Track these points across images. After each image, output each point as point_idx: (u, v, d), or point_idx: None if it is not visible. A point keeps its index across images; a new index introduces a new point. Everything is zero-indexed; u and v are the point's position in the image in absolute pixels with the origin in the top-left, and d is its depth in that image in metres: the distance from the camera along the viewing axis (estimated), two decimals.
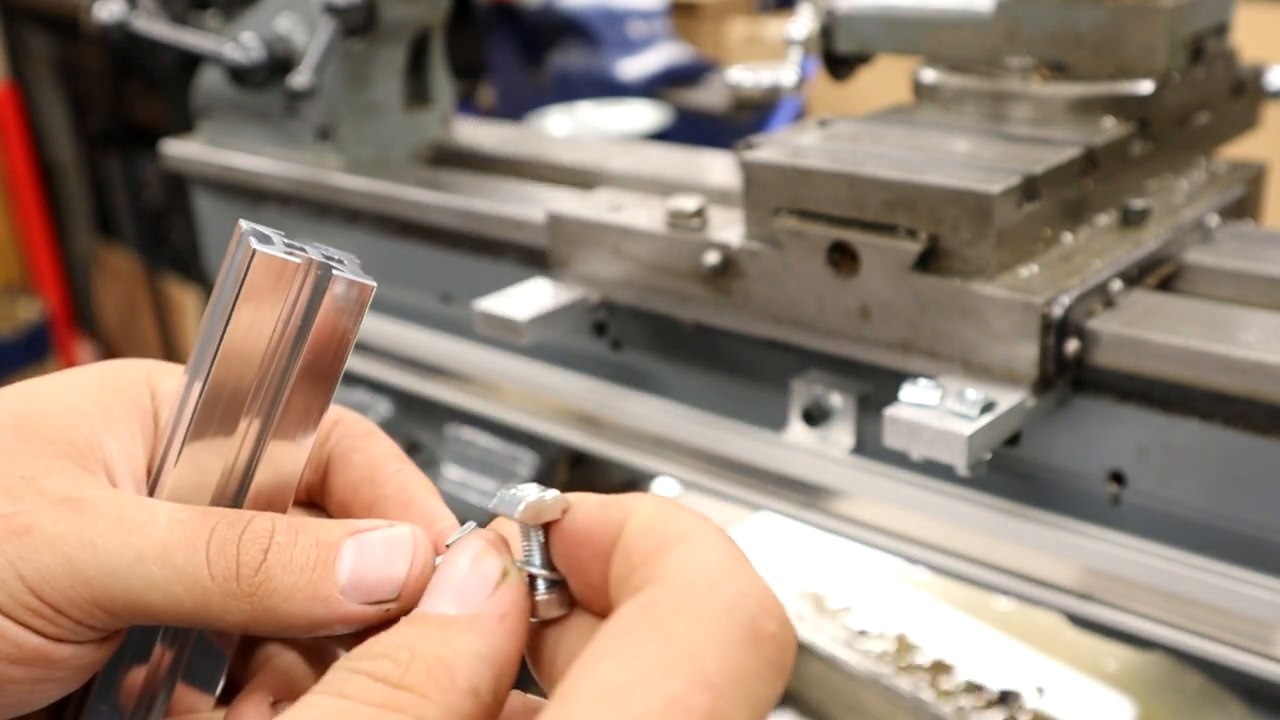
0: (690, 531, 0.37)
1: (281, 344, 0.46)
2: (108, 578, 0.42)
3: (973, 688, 1.06)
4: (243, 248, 0.45)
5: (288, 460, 0.48)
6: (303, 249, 0.46)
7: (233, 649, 0.50)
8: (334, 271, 0.46)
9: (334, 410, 0.50)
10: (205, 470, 0.47)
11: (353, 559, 0.43)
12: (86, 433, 0.47)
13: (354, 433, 0.51)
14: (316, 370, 0.47)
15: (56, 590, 0.42)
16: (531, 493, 0.42)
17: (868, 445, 0.89)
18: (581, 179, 1.14)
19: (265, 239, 0.46)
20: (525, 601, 0.41)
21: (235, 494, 0.48)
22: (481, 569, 0.40)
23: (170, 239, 4.04)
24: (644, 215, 0.92)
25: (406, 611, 0.42)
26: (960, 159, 0.81)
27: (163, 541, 0.43)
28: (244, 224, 0.46)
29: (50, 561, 0.43)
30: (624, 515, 0.39)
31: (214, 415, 0.46)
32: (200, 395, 0.46)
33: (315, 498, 0.52)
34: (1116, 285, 0.77)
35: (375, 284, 0.47)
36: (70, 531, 0.43)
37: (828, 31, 1.02)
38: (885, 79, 1.17)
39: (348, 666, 0.38)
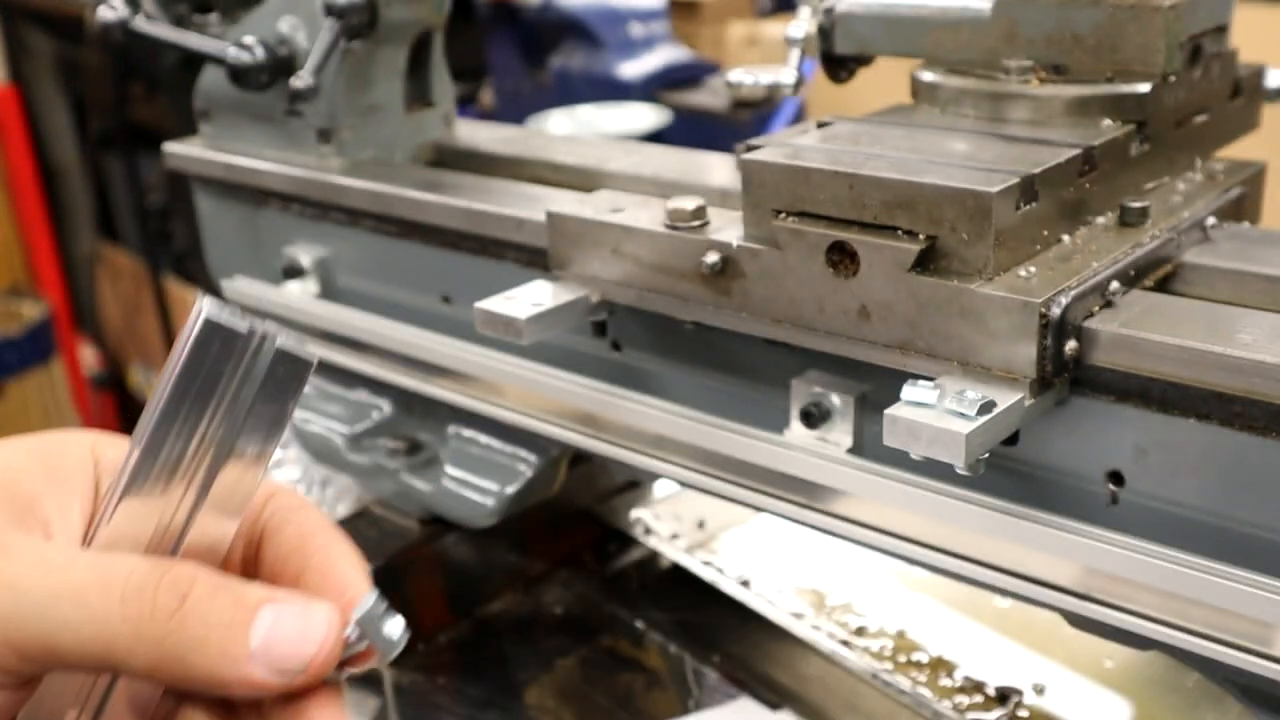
0: None
1: (220, 410, 0.47)
2: (22, 618, 0.42)
3: (971, 686, 1.07)
4: (194, 316, 0.47)
5: (219, 526, 0.49)
6: (251, 324, 0.48)
7: (148, 712, 0.49)
8: (277, 345, 0.48)
9: (270, 485, 0.52)
10: (137, 528, 0.48)
11: (268, 626, 0.44)
12: (27, 490, 0.48)
13: (287, 506, 0.53)
14: (253, 439, 0.48)
15: None
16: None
17: (867, 445, 0.89)
18: (582, 179, 1.14)
19: (225, 310, 0.48)
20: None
21: (166, 554, 0.48)
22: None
23: (172, 240, 4.05)
24: (644, 215, 0.92)
25: (311, 685, 0.44)
26: (959, 160, 0.81)
27: (79, 582, 0.43)
28: (205, 299, 0.48)
29: None
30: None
31: (149, 475, 0.47)
32: (138, 455, 0.47)
33: (249, 569, 0.53)
34: (1115, 285, 0.77)
35: (315, 360, 0.49)
36: None
37: (826, 33, 1.03)
38: (884, 79, 1.18)
39: None
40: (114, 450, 0.52)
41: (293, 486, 0.54)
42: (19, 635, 0.43)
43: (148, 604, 0.43)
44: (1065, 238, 0.82)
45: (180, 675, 0.43)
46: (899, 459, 0.83)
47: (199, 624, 0.43)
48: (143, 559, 0.45)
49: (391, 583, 1.18)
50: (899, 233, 0.78)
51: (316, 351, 0.50)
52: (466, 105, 4.06)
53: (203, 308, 0.47)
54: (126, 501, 0.47)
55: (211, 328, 0.47)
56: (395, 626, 0.49)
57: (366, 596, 0.48)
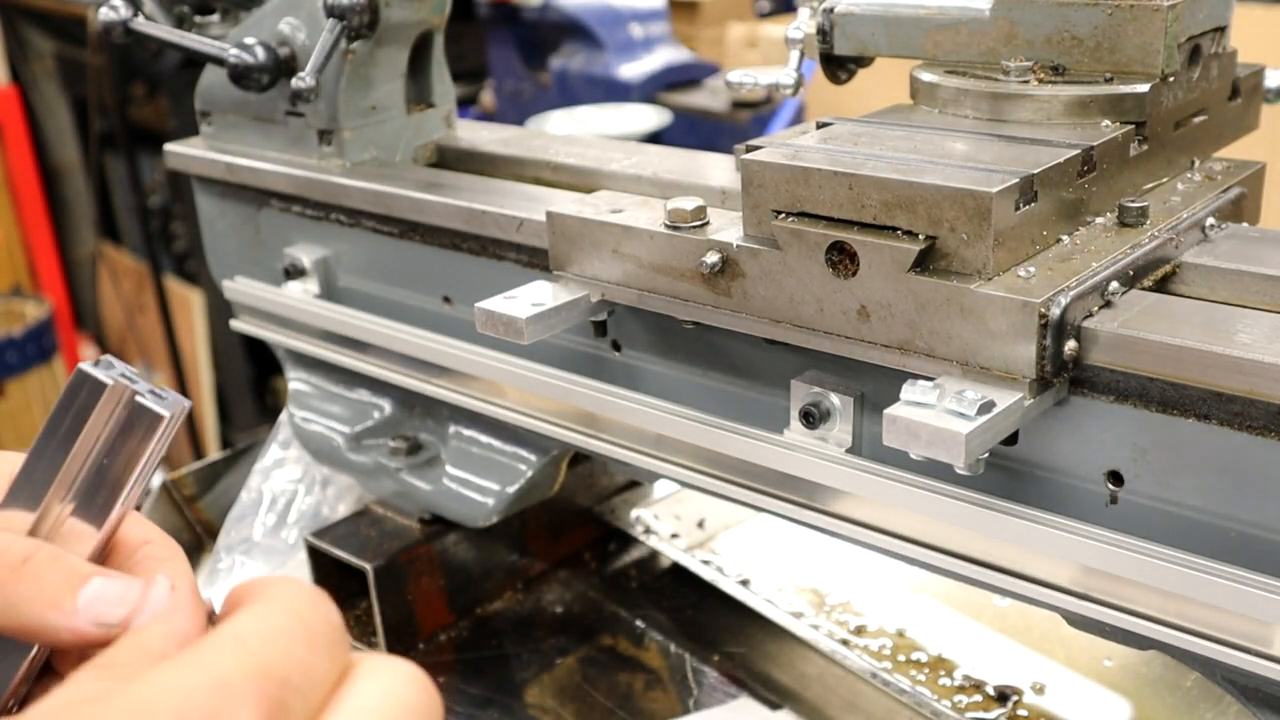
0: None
1: (88, 449, 0.56)
2: None
3: (971, 685, 1.07)
4: (79, 370, 0.56)
5: (80, 545, 0.56)
6: (132, 381, 0.56)
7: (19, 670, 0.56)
8: (137, 398, 0.56)
9: (151, 531, 0.59)
10: (14, 528, 0.55)
11: (95, 589, 0.52)
12: None
13: (158, 555, 0.58)
14: (114, 476, 0.56)
15: None
16: None
17: (866, 445, 0.89)
18: (582, 180, 1.14)
19: (107, 367, 0.57)
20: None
21: None
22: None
23: (173, 240, 4.05)
24: (644, 216, 0.92)
25: (118, 635, 0.51)
26: (959, 160, 0.81)
27: None
28: (103, 359, 0.57)
29: None
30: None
31: (23, 491, 0.56)
32: (19, 472, 0.56)
33: None
34: (1114, 286, 0.77)
35: (168, 414, 0.56)
36: None
37: (825, 33, 1.03)
38: (884, 80, 1.18)
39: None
40: (6, 464, 0.59)
41: (169, 539, 0.60)
42: None
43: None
44: (1065, 238, 0.82)
45: (15, 622, 0.51)
46: (898, 459, 0.83)
47: (35, 580, 0.51)
48: (4, 535, 0.53)
49: (391, 582, 1.18)
50: (898, 233, 0.78)
51: (186, 404, 0.58)
52: (467, 106, 4.06)
53: (83, 365, 0.56)
54: (6, 507, 0.56)
55: (81, 376, 0.56)
56: None
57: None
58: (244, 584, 0.53)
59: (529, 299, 0.94)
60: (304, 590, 0.51)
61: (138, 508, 0.60)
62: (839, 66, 1.06)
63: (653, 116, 3.40)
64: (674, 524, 1.33)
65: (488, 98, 4.14)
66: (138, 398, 0.56)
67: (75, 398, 0.56)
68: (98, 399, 0.56)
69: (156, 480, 1.54)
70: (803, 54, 1.07)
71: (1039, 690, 1.06)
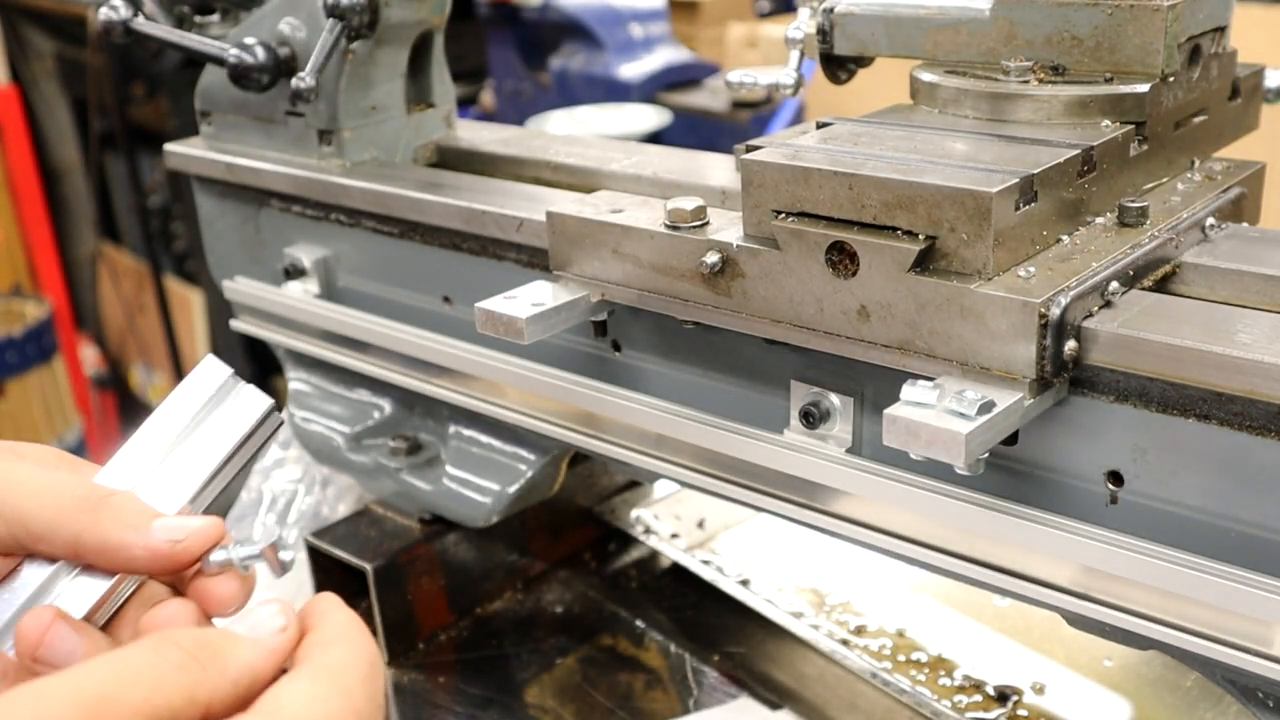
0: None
1: (203, 438, 0.67)
2: (9, 490, 0.62)
3: (971, 685, 1.07)
4: (210, 362, 0.67)
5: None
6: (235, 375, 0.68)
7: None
8: (252, 392, 0.67)
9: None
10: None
11: (164, 521, 0.63)
12: (67, 457, 0.68)
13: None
14: (214, 465, 0.66)
15: None
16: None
17: (866, 445, 0.89)
18: (582, 180, 1.15)
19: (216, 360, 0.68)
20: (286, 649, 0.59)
21: None
22: (273, 618, 0.59)
23: (173, 240, 4.05)
24: (644, 216, 0.92)
25: (188, 556, 0.62)
26: (959, 160, 0.81)
27: (55, 478, 0.64)
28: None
29: None
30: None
31: (125, 465, 0.66)
32: (131, 440, 0.66)
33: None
34: (1114, 286, 0.77)
35: (281, 419, 0.68)
36: (3, 464, 0.64)
37: (825, 33, 1.03)
38: (884, 79, 1.18)
39: (160, 635, 0.56)
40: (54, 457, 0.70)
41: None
42: (6, 507, 0.62)
43: (88, 495, 0.63)
44: (1064, 238, 0.82)
45: (100, 543, 0.61)
46: (898, 459, 0.83)
47: (117, 510, 0.62)
48: (90, 483, 0.64)
49: (391, 583, 1.18)
50: (898, 233, 0.78)
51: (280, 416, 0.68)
52: (467, 106, 4.06)
53: (207, 357, 0.68)
54: (112, 465, 0.66)
55: (208, 364, 0.67)
56: (287, 553, 0.64)
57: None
58: (320, 611, 0.61)
59: (529, 299, 0.94)
60: (363, 660, 0.58)
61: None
62: (839, 66, 1.06)
63: (653, 116, 3.40)
64: (674, 524, 1.33)
65: (488, 98, 4.14)
66: (249, 387, 0.67)
67: (201, 388, 0.66)
68: (228, 395, 0.67)
69: None
70: (803, 54, 1.07)
71: (1039, 690, 1.06)
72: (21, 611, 0.63)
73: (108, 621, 0.64)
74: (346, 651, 0.59)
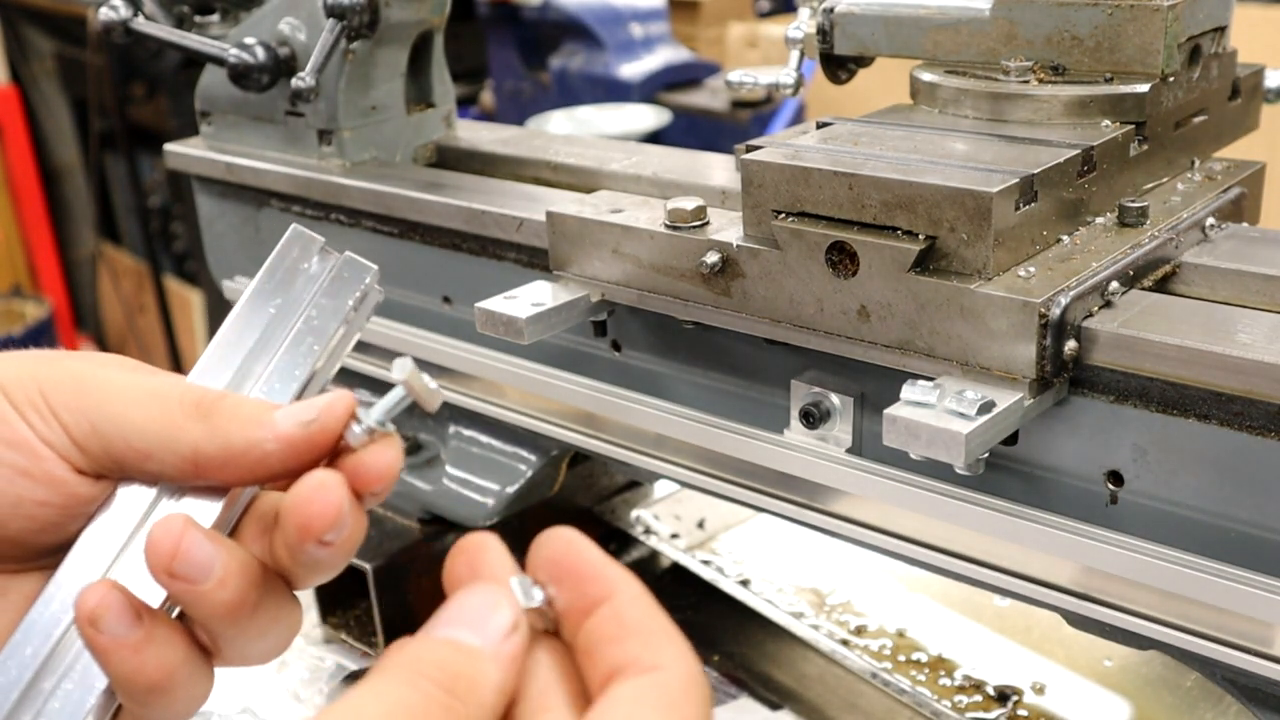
0: (674, 632, 0.49)
1: (295, 298, 0.60)
2: (103, 397, 0.56)
3: (971, 685, 1.07)
4: (294, 230, 0.61)
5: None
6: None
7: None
8: (348, 253, 0.61)
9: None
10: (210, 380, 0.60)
11: (285, 409, 0.57)
12: (137, 362, 0.61)
13: None
14: (320, 327, 0.61)
15: (61, 398, 0.55)
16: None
17: (866, 445, 0.89)
18: (582, 180, 1.14)
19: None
20: (527, 645, 0.50)
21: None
22: (499, 615, 0.50)
23: (173, 240, 4.05)
24: (644, 216, 0.92)
25: (327, 435, 0.56)
26: (959, 160, 0.81)
27: (153, 388, 0.57)
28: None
29: (64, 378, 0.56)
30: (619, 578, 0.50)
31: (226, 350, 0.60)
32: (228, 323, 0.60)
33: None
34: (1114, 285, 0.77)
35: (374, 269, 0.62)
36: (87, 366, 0.57)
37: (825, 33, 1.03)
38: (884, 79, 1.18)
39: (405, 663, 0.49)
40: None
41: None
42: (100, 415, 0.55)
43: (198, 395, 0.56)
44: (1065, 238, 0.82)
45: (223, 446, 0.55)
46: (898, 459, 0.83)
47: (234, 407, 0.56)
48: (197, 386, 0.58)
49: (392, 583, 1.18)
50: (898, 233, 0.78)
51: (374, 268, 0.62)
52: (467, 106, 4.06)
53: (292, 226, 0.61)
54: (206, 359, 0.59)
55: (295, 235, 0.60)
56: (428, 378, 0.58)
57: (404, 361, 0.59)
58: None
59: (529, 299, 0.94)
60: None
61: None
62: (839, 66, 1.06)
63: (653, 116, 3.40)
64: (674, 524, 1.33)
65: (488, 98, 4.14)
66: (348, 254, 0.60)
67: (286, 256, 0.60)
68: (311, 254, 0.60)
69: None
70: (803, 54, 1.07)
71: (1039, 690, 1.06)
72: (130, 542, 0.56)
73: (230, 532, 0.58)
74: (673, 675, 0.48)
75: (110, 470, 0.57)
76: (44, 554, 0.58)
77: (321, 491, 0.54)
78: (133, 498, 0.56)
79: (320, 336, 0.60)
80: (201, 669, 0.57)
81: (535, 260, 1.05)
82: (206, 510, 0.57)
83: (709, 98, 3.61)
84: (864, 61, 1.06)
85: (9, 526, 0.56)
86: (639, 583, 0.50)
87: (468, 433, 1.20)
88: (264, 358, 0.59)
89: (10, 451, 0.55)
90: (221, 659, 0.58)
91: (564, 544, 0.51)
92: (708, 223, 0.89)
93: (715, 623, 1.20)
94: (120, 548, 0.56)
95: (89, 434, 0.55)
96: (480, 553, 0.53)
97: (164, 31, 1.23)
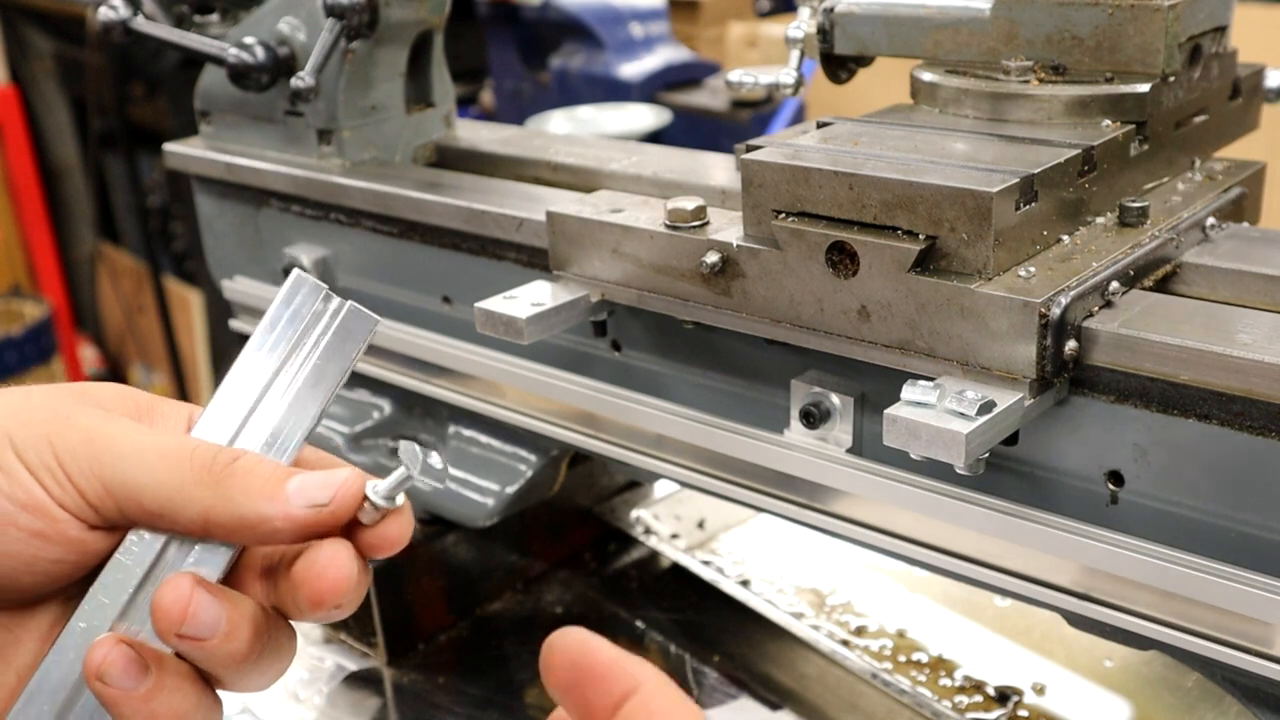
0: (701, 715, 0.50)
1: (298, 348, 0.61)
2: (115, 459, 0.56)
3: (971, 686, 1.07)
4: (296, 276, 0.61)
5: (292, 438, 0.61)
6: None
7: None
8: (348, 305, 0.62)
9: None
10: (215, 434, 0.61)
11: (300, 480, 0.57)
12: (148, 401, 0.62)
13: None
14: (322, 375, 0.62)
15: (75, 462, 0.56)
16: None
17: (867, 445, 0.89)
18: (582, 180, 1.14)
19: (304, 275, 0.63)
20: None
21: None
22: None
23: (172, 240, 4.05)
24: (644, 216, 0.92)
25: (338, 520, 0.57)
26: (959, 160, 0.81)
27: (162, 446, 0.57)
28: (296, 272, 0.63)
29: (77, 441, 0.57)
30: (640, 670, 0.52)
31: (234, 393, 0.61)
32: (230, 376, 0.61)
33: None
34: (1114, 285, 0.77)
35: (376, 320, 0.63)
36: (98, 425, 0.58)
37: (825, 33, 1.03)
38: (884, 79, 1.18)
39: None
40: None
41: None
42: (111, 475, 0.56)
43: (209, 461, 0.57)
44: (1065, 238, 0.82)
45: (232, 516, 0.56)
46: (899, 459, 0.83)
47: (246, 476, 0.57)
48: (209, 444, 0.58)
49: (391, 583, 1.18)
50: (899, 233, 0.78)
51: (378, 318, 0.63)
52: (467, 106, 4.06)
53: (295, 272, 0.62)
54: (215, 405, 0.60)
55: (299, 280, 0.61)
56: (435, 459, 0.61)
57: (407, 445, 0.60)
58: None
59: (529, 299, 0.94)
60: None
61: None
62: (839, 66, 1.06)
63: (652, 116, 3.40)
64: (674, 524, 1.33)
65: (488, 97, 4.13)
66: (351, 303, 0.61)
67: (291, 301, 0.61)
68: (313, 302, 0.61)
69: None
70: (803, 54, 1.07)
71: (1039, 690, 1.06)
72: (140, 589, 0.57)
73: (228, 578, 0.60)
74: None
75: (122, 524, 0.58)
76: (58, 595, 0.60)
77: (333, 568, 0.57)
78: (144, 543, 0.58)
79: (326, 386, 0.61)
80: (213, 707, 0.60)
81: (535, 260, 1.05)
82: (214, 557, 0.58)
83: (709, 98, 3.61)
84: (864, 61, 1.06)
85: (22, 581, 0.58)
86: (659, 670, 0.52)
87: (468, 433, 1.20)
88: (270, 407, 0.60)
89: (25, 515, 0.56)
90: (224, 689, 0.61)
91: (579, 645, 0.55)
92: (708, 223, 0.89)
93: (715, 623, 1.20)
94: (131, 593, 0.58)
95: (102, 496, 0.57)
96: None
97: (163, 31, 1.23)
